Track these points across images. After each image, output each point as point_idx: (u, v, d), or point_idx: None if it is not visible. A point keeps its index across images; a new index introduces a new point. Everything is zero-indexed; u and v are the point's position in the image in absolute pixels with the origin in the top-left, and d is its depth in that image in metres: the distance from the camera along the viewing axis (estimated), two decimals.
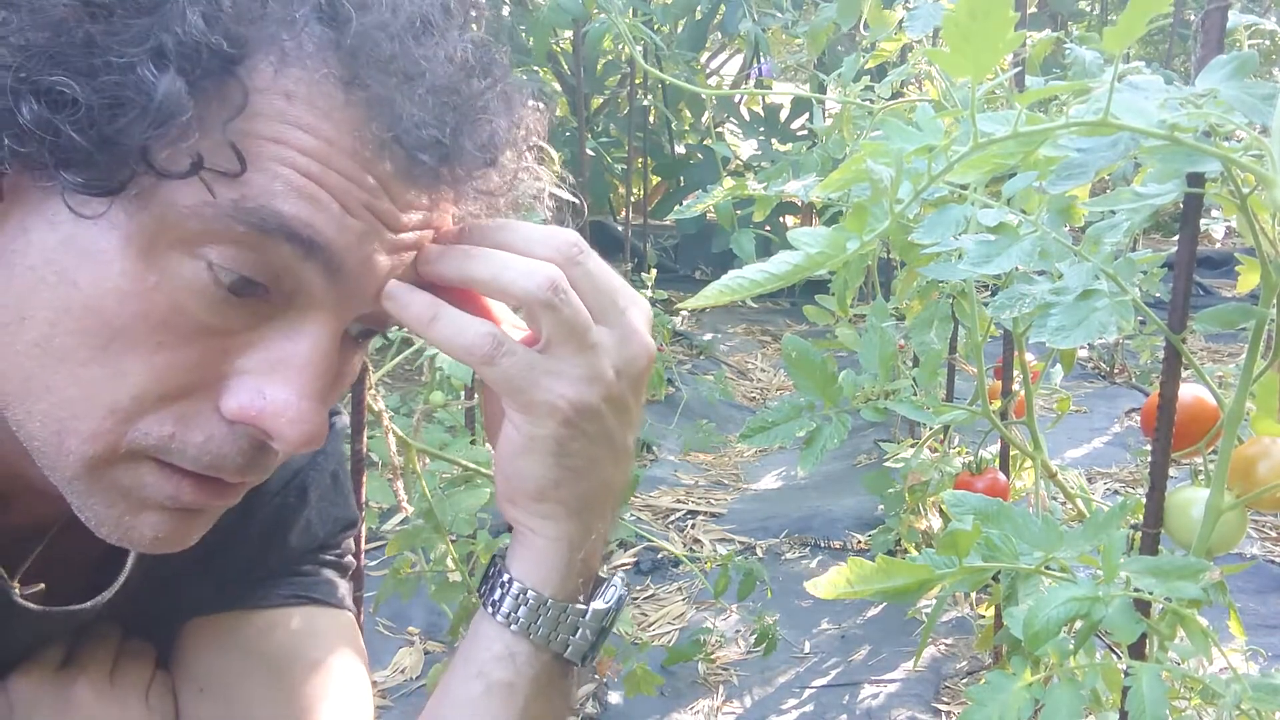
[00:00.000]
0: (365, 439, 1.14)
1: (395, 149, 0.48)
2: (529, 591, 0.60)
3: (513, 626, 0.60)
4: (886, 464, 2.06)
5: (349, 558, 0.80)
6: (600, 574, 0.65)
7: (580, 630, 0.61)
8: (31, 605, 0.58)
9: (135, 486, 0.50)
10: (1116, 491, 2.68)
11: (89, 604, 0.62)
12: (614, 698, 1.84)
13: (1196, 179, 0.76)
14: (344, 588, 0.78)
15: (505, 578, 0.61)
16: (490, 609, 0.61)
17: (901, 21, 1.51)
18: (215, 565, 0.69)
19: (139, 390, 0.47)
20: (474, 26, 0.56)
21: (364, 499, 1.15)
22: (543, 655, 0.61)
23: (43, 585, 0.59)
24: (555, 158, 0.63)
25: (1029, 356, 1.43)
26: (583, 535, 0.61)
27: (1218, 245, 4.35)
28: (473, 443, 1.79)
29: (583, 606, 0.62)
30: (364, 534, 1.15)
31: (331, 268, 0.49)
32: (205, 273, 0.46)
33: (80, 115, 0.43)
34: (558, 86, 5.19)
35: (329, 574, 0.76)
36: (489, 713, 0.60)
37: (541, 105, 0.60)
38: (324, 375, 0.51)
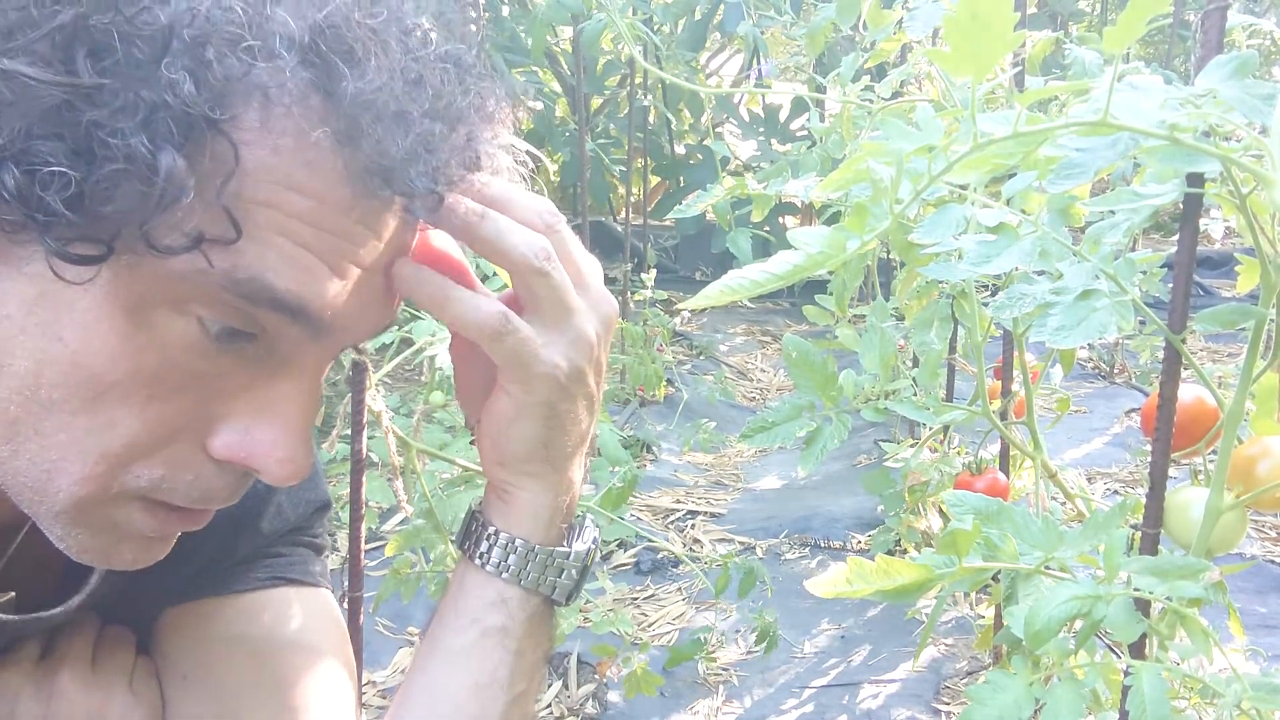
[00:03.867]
0: (365, 439, 1.14)
1: (387, 193, 0.48)
2: (517, 540, 0.63)
3: (504, 574, 0.63)
4: (886, 464, 2.07)
5: (323, 537, 0.81)
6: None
7: (566, 571, 0.65)
8: (2, 615, 0.58)
9: (124, 522, 0.51)
10: (1116, 491, 2.68)
11: (59, 609, 0.62)
12: (614, 698, 1.84)
13: (1196, 179, 0.76)
14: (319, 565, 0.79)
15: (491, 530, 0.63)
16: (480, 560, 0.63)
17: (901, 21, 1.51)
18: (188, 556, 0.69)
19: (130, 439, 0.48)
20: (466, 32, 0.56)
21: (364, 499, 1.15)
22: (533, 599, 0.64)
23: (13, 594, 0.59)
24: (533, 153, 0.63)
25: (1029, 356, 1.43)
26: (565, 485, 0.64)
27: (1218, 245, 4.36)
28: (472, 443, 1.79)
29: (566, 549, 0.65)
30: (364, 534, 1.15)
31: (317, 329, 0.49)
32: (194, 327, 0.46)
33: (71, 194, 0.41)
34: (557, 87, 5.19)
35: (303, 552, 0.77)
36: (486, 654, 0.62)
37: (514, 93, 0.58)
38: (310, 411, 0.52)
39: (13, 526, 0.59)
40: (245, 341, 0.48)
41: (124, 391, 0.46)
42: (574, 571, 0.65)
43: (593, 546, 0.67)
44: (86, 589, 0.63)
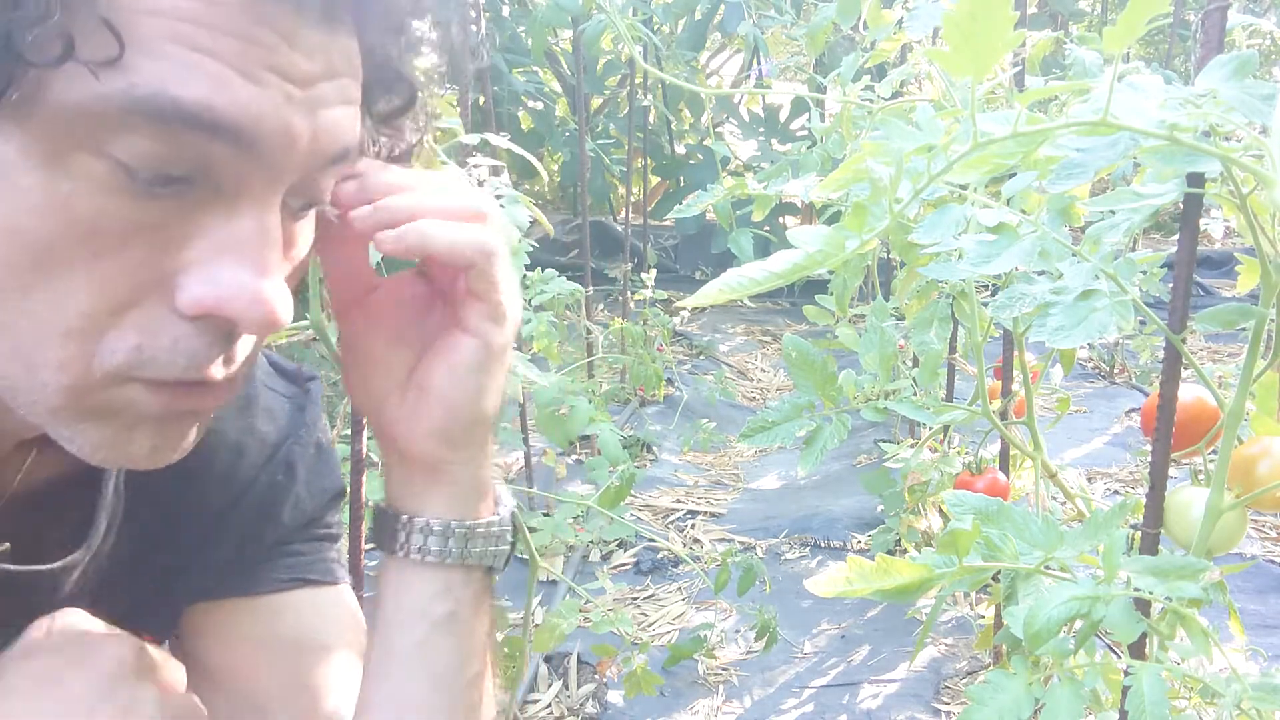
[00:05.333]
0: (365, 439, 1.14)
1: None
2: (452, 524, 0.62)
3: (447, 560, 0.62)
4: (886, 464, 2.07)
5: (337, 526, 0.80)
6: None
7: (501, 537, 0.64)
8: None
9: (125, 406, 0.48)
10: (1116, 491, 2.68)
11: (59, 563, 0.60)
12: (614, 697, 1.84)
13: (1196, 179, 0.76)
14: (334, 553, 0.78)
15: (423, 521, 0.61)
16: (418, 555, 0.61)
17: (901, 21, 1.51)
18: (210, 549, 0.69)
19: (87, 306, 0.45)
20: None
21: (364, 499, 1.15)
22: (474, 574, 0.63)
23: (7, 545, 0.57)
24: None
25: (1029, 356, 1.43)
26: (489, 454, 0.63)
27: (1218, 245, 4.36)
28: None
29: (497, 515, 0.64)
30: (364, 533, 1.15)
31: (244, 144, 0.45)
32: (118, 172, 0.43)
33: None
34: (557, 87, 5.20)
35: (320, 546, 0.76)
36: (438, 646, 0.62)
37: None
38: (272, 249, 0.48)
39: (9, 466, 0.57)
40: (182, 184, 0.45)
41: (65, 252, 0.44)
42: (509, 535, 0.65)
43: (514, 500, 0.67)
44: (93, 539, 0.61)
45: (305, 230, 0.54)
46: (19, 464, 0.57)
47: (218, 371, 0.50)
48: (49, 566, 0.59)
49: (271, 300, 0.48)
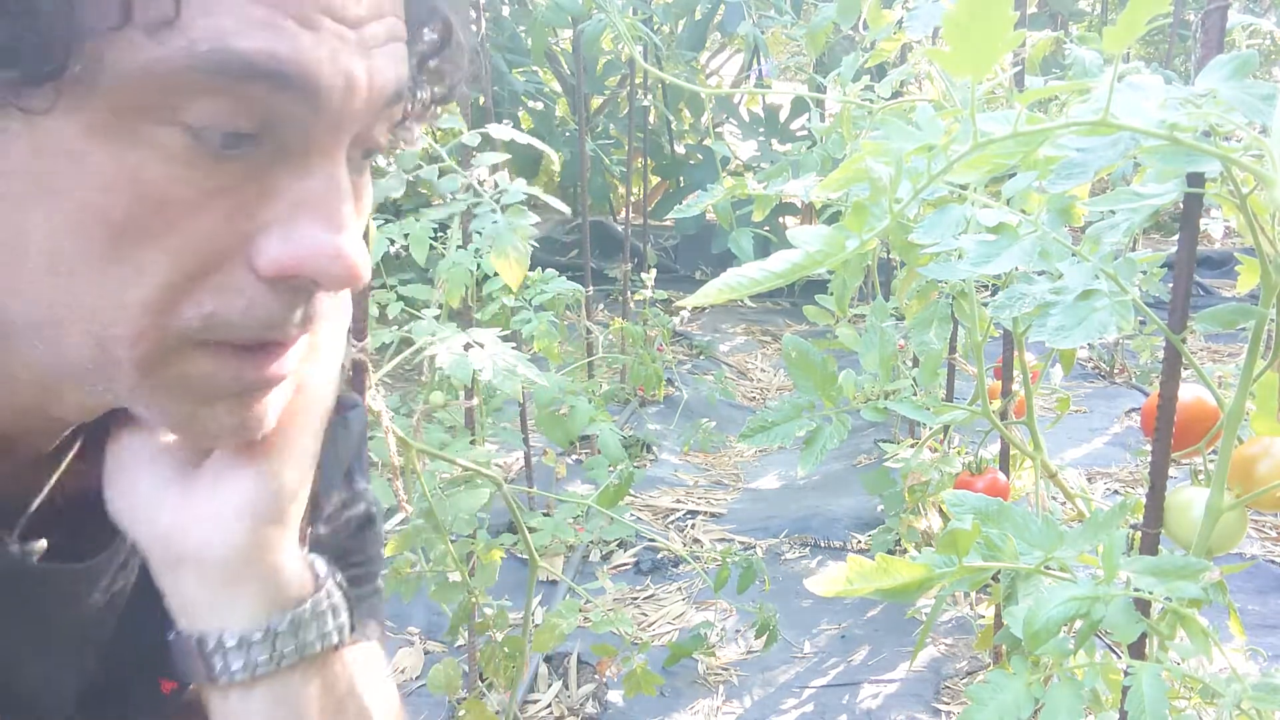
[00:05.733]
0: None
1: None
2: (269, 623, 0.54)
3: (282, 662, 0.54)
4: (886, 464, 2.07)
5: (375, 562, 0.74)
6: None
7: (334, 612, 0.57)
8: (34, 562, 0.54)
9: (198, 378, 0.47)
10: (1116, 491, 2.68)
11: (93, 561, 0.57)
12: (614, 697, 1.84)
13: (1196, 179, 0.76)
14: (369, 604, 0.71)
15: (230, 634, 0.53)
16: (241, 674, 0.53)
17: (901, 21, 1.51)
18: None
19: (164, 279, 0.44)
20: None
21: None
22: (312, 663, 0.56)
23: (44, 542, 0.55)
24: None
25: (1029, 356, 1.43)
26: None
27: (1218, 245, 4.36)
28: (473, 442, 1.79)
29: (320, 584, 0.57)
30: None
31: (309, 93, 0.44)
32: (187, 137, 0.42)
33: None
34: (557, 87, 5.20)
35: (358, 593, 0.69)
36: None
37: None
38: (345, 202, 0.48)
39: (36, 485, 0.56)
40: (250, 146, 0.44)
41: (139, 226, 0.43)
42: (342, 610, 0.57)
43: (333, 570, 0.59)
44: (117, 549, 0.58)
45: (367, 187, 0.54)
46: (57, 462, 0.56)
47: (294, 331, 0.49)
48: (82, 565, 0.57)
49: (351, 255, 0.47)
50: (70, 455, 0.57)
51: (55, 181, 0.42)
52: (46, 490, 0.56)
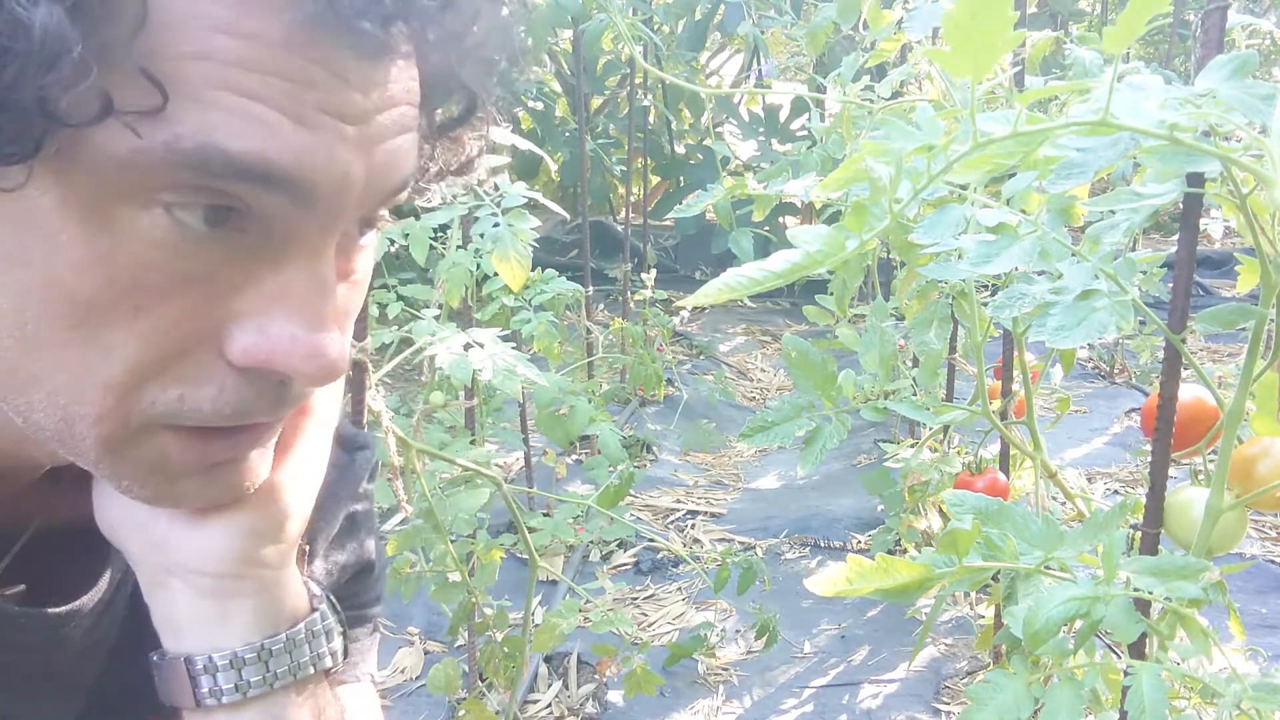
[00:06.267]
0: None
1: (331, 21, 0.41)
2: (261, 641, 0.52)
3: (275, 683, 0.52)
4: (886, 464, 2.07)
5: (370, 609, 0.72)
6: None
7: (329, 633, 0.55)
8: (13, 608, 0.52)
9: (161, 460, 0.46)
10: (1116, 491, 2.68)
11: (75, 604, 0.56)
12: (614, 697, 1.84)
13: (1196, 179, 0.76)
14: (360, 648, 0.70)
15: (222, 654, 0.52)
16: (229, 696, 0.51)
17: (901, 21, 1.51)
18: None
19: (130, 362, 0.43)
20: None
21: None
22: (299, 688, 0.54)
23: (23, 586, 0.54)
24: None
25: (1029, 356, 1.43)
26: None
27: (1217, 245, 4.36)
28: (473, 442, 1.79)
29: (315, 602, 0.56)
30: None
31: (300, 194, 0.42)
32: (164, 219, 0.41)
33: None
34: (557, 87, 5.20)
35: (352, 633, 0.68)
36: None
37: None
38: (328, 299, 0.46)
39: (18, 527, 0.54)
40: (232, 229, 0.42)
41: (106, 308, 0.41)
42: (335, 634, 0.56)
43: (326, 591, 0.58)
44: (100, 587, 0.57)
45: (366, 255, 0.52)
46: (39, 501, 0.54)
47: (266, 416, 0.47)
48: (57, 610, 0.55)
49: (328, 354, 0.45)
50: (47, 499, 0.55)
51: (23, 254, 0.40)
52: (29, 534, 0.55)
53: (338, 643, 0.56)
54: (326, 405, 0.56)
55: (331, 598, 0.58)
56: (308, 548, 0.58)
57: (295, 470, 0.54)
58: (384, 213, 0.50)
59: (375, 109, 0.44)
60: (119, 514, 0.52)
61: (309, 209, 0.43)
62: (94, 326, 0.42)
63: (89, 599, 0.57)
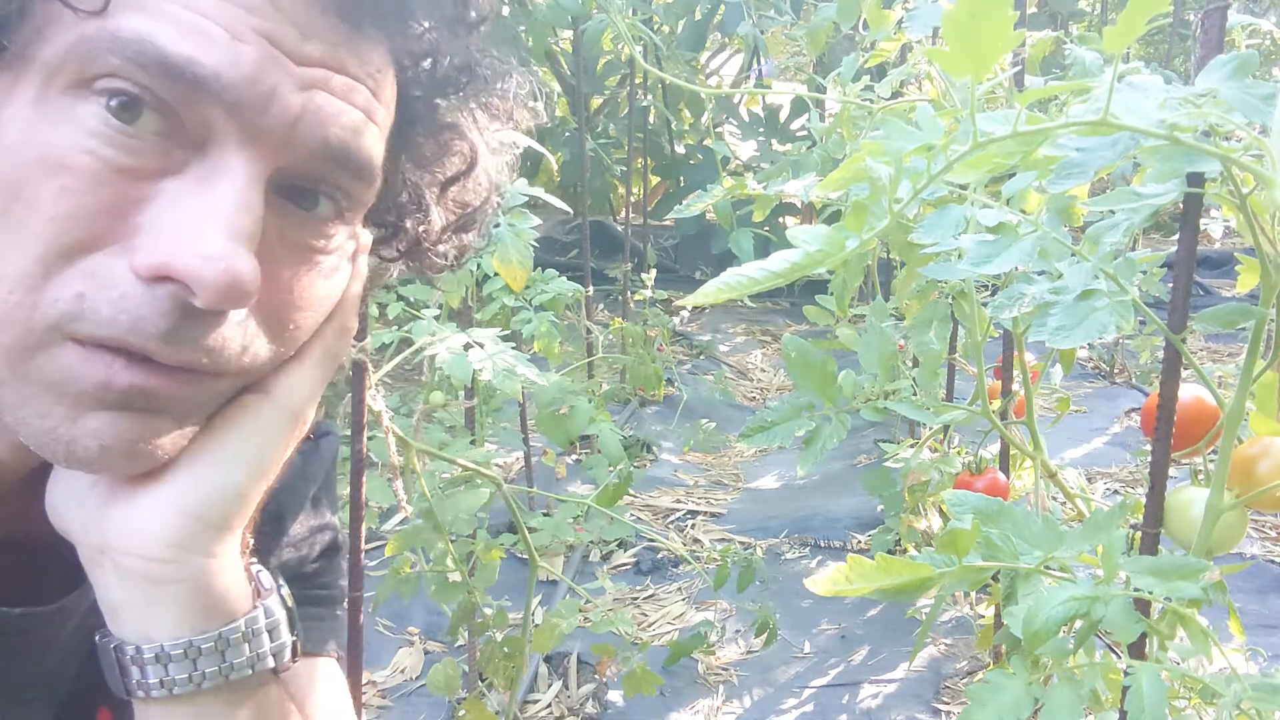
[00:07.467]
0: (365, 439, 1.14)
1: None
2: (196, 638, 0.49)
3: (206, 683, 0.50)
4: (886, 464, 2.07)
5: (338, 586, 0.72)
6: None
7: (274, 631, 0.53)
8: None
9: (63, 378, 0.44)
10: (1116, 491, 2.68)
11: (55, 605, 0.55)
12: (614, 697, 1.84)
13: (1196, 179, 0.76)
14: (326, 620, 0.69)
15: (151, 647, 0.49)
16: (162, 690, 0.49)
17: (901, 21, 1.51)
18: None
19: (43, 246, 0.43)
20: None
21: (364, 499, 1.15)
22: (244, 685, 0.52)
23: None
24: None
25: (1029, 356, 1.43)
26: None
27: (1217, 245, 4.36)
28: (473, 442, 1.79)
29: (256, 606, 0.53)
30: (364, 534, 1.15)
31: (228, 103, 0.44)
32: (99, 111, 0.43)
33: None
34: (557, 87, 5.19)
35: (309, 612, 0.67)
36: None
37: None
38: (243, 215, 0.45)
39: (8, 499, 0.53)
40: (161, 133, 0.44)
41: (33, 190, 0.43)
42: (283, 630, 0.53)
43: (279, 585, 0.56)
44: (86, 582, 0.55)
45: (336, 243, 0.51)
46: (19, 503, 0.53)
47: (164, 349, 0.45)
48: (43, 609, 0.54)
49: (229, 262, 0.43)
50: (27, 499, 0.53)
51: None
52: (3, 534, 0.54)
53: (285, 638, 0.53)
54: (289, 391, 0.53)
55: (284, 594, 0.55)
56: (253, 541, 0.56)
57: (238, 450, 0.51)
58: (350, 192, 0.51)
59: (320, 60, 0.47)
60: (60, 494, 0.51)
61: (238, 120, 0.45)
62: (19, 213, 0.44)
63: (73, 601, 0.56)
